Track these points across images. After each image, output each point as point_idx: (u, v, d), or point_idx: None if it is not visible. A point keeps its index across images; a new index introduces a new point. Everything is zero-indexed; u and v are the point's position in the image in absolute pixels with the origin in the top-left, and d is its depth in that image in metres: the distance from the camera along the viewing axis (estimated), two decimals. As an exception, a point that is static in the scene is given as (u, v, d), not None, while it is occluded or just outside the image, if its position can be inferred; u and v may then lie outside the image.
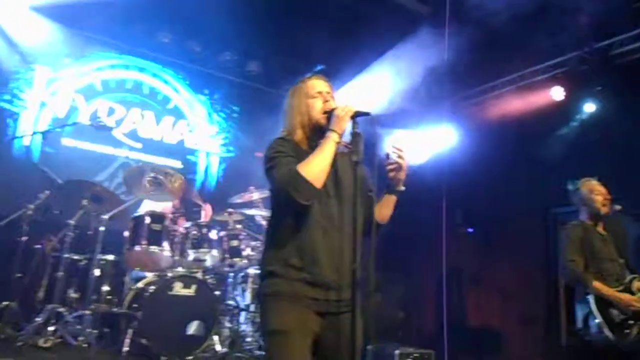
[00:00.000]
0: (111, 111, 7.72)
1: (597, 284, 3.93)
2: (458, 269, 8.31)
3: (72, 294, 5.42)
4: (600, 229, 4.27)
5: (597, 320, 3.86)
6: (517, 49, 6.85)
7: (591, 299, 3.92)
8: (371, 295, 2.48)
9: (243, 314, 5.93)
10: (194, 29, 7.47)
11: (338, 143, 2.50)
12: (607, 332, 3.82)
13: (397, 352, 6.15)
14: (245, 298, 6.04)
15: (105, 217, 5.22)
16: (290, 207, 2.44)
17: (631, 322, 3.87)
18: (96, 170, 7.40)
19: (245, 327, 5.83)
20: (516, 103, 7.63)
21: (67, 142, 7.29)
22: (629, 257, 4.30)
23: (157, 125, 8.11)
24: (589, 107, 6.98)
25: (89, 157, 7.40)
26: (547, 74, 7.39)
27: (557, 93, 7.21)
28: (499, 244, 7.96)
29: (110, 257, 5.53)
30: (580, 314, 4.04)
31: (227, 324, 5.74)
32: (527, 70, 7.49)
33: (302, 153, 2.53)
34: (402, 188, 2.65)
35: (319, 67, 7.97)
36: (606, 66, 6.77)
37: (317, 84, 2.69)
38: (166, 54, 8.06)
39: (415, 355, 6.28)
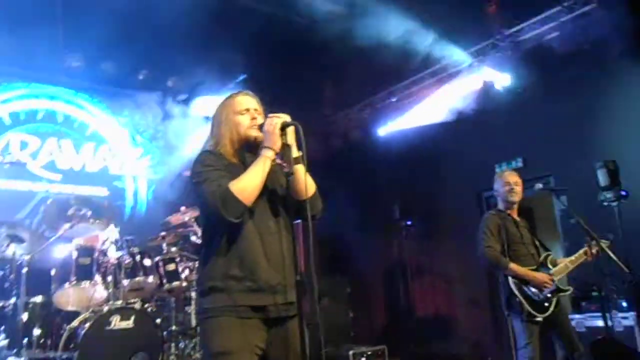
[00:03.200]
0: (24, 144, 7.31)
1: (513, 266, 4.22)
2: (402, 263, 8.37)
3: (2, 342, 5.07)
4: (514, 214, 4.56)
5: (518, 299, 4.13)
6: (436, 41, 6.96)
7: (511, 280, 4.20)
8: (316, 301, 2.44)
9: (188, 338, 5.74)
10: (105, 49, 7.17)
11: (273, 160, 2.46)
12: (529, 309, 4.09)
13: (351, 352, 6.23)
14: (189, 321, 5.85)
15: (27, 257, 4.90)
16: (221, 222, 2.38)
17: (549, 295, 4.16)
18: (15, 208, 6.97)
19: (192, 352, 5.65)
20: (441, 93, 7.76)
21: (-21, 181, 6.85)
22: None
23: (77, 153, 7.74)
24: (507, 91, 7.15)
25: (6, 195, 6.97)
26: (467, 62, 7.51)
27: (477, 80, 7.36)
28: (437, 233, 8.06)
29: (39, 298, 5.20)
30: (503, 296, 4.30)
31: (174, 351, 5.54)
32: (448, 61, 7.57)
33: (231, 166, 2.50)
34: (296, 153, 2.47)
35: (241, 77, 7.84)
36: (517, 51, 6.97)
37: (244, 101, 2.65)
38: (78, 78, 7.68)
39: (368, 353, 6.36)
